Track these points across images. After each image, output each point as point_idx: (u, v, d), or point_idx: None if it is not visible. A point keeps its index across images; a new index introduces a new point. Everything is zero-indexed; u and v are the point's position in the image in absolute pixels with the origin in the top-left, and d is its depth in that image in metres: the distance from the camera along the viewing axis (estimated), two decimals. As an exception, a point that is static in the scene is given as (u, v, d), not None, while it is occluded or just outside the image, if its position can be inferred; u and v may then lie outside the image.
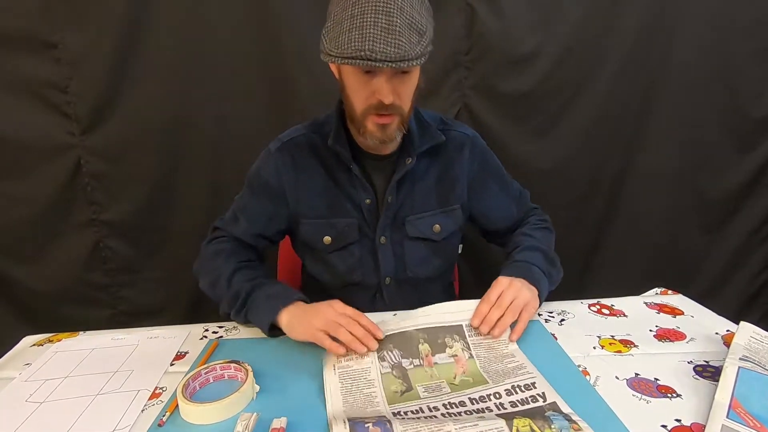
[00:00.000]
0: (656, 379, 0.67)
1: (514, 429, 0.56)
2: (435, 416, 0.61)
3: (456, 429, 0.57)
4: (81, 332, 0.87)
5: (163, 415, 0.62)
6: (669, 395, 0.64)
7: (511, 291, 0.77)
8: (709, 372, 0.68)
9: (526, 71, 1.41)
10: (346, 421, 0.58)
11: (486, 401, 0.64)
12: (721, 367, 0.64)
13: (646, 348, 0.75)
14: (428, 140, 0.91)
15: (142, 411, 0.64)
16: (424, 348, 0.73)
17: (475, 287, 1.52)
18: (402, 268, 0.96)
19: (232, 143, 1.41)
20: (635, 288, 0.99)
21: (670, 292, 0.97)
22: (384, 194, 0.91)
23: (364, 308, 0.97)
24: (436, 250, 0.97)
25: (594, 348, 0.76)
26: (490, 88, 1.42)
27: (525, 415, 0.59)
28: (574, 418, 0.58)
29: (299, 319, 0.75)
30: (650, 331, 0.80)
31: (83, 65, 1.33)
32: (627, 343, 0.77)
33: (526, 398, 0.63)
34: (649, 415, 0.60)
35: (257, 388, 0.65)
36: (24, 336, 0.86)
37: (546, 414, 0.59)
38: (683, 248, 1.59)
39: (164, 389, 0.68)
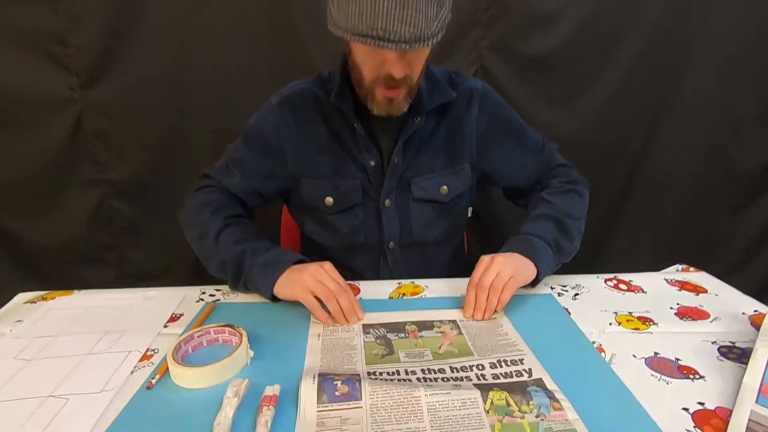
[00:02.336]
0: (677, 359, 0.62)
1: (489, 401, 0.53)
2: (410, 380, 0.59)
3: (427, 395, 0.54)
4: (76, 291, 0.84)
5: (153, 378, 0.59)
6: (691, 376, 0.59)
7: (491, 270, 0.72)
8: (735, 353, 0.63)
9: (548, 32, 1.32)
10: (316, 377, 0.56)
11: (467, 371, 0.61)
12: (750, 348, 0.59)
13: (666, 326, 0.70)
14: (438, 97, 0.85)
15: (132, 372, 0.61)
16: (411, 327, 0.71)
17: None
18: (407, 232, 0.91)
19: (237, 100, 1.35)
20: (653, 265, 0.94)
21: (692, 269, 0.91)
22: (390, 155, 0.86)
23: (367, 272, 0.94)
24: (442, 213, 0.92)
25: (610, 324, 0.71)
26: (509, 50, 1.34)
27: (504, 388, 0.56)
28: (558, 396, 0.55)
29: (289, 278, 0.72)
30: (671, 308, 0.76)
31: (83, 17, 1.27)
32: (646, 321, 0.72)
33: (510, 372, 0.60)
34: (669, 396, 0.56)
35: (251, 353, 0.62)
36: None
37: (527, 389, 0.56)
38: (706, 226, 1.52)
39: (156, 351, 0.66)
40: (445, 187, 0.89)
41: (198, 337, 0.65)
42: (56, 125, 1.36)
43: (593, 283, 0.84)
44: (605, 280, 0.85)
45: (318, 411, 0.53)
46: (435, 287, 0.83)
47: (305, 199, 0.90)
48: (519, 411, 0.53)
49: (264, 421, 0.50)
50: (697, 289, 0.82)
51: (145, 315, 0.75)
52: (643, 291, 0.81)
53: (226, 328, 0.66)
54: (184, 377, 0.58)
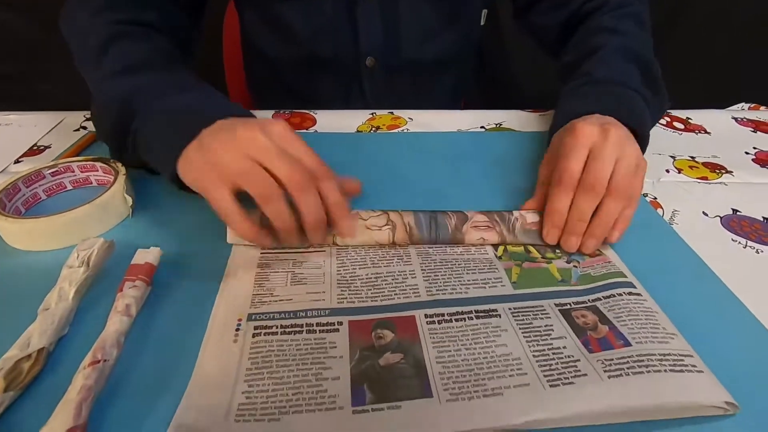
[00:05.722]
0: (766, 219, 0.43)
1: (501, 248, 0.38)
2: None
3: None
4: None
5: (-30, 234, 0.37)
6: (792, 244, 0.40)
7: (606, 154, 0.36)
8: None
9: None
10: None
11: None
12: None
13: (743, 175, 0.50)
14: None
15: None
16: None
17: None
18: (394, 44, 0.64)
19: None
20: (704, 105, 0.69)
21: (763, 107, 0.69)
22: None
23: (332, 105, 0.69)
24: (449, 14, 0.64)
25: (667, 171, 0.50)
26: None
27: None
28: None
29: (207, 148, 0.33)
30: (746, 153, 0.54)
31: None
32: (716, 168, 0.51)
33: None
34: (758, 268, 0.37)
35: (130, 200, 0.40)
36: None
37: None
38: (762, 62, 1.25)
39: (-7, 196, 0.43)
40: None
41: (51, 175, 0.42)
42: None
43: (638, 120, 0.61)
44: (654, 117, 0.62)
45: (261, 253, 0.36)
46: (422, 120, 0.60)
47: None
48: (543, 257, 0.37)
49: (124, 305, 0.29)
50: (776, 131, 0.60)
51: (-8, 146, 0.51)
52: (706, 131, 0.59)
53: (98, 164, 0.43)
54: (11, 234, 0.36)
